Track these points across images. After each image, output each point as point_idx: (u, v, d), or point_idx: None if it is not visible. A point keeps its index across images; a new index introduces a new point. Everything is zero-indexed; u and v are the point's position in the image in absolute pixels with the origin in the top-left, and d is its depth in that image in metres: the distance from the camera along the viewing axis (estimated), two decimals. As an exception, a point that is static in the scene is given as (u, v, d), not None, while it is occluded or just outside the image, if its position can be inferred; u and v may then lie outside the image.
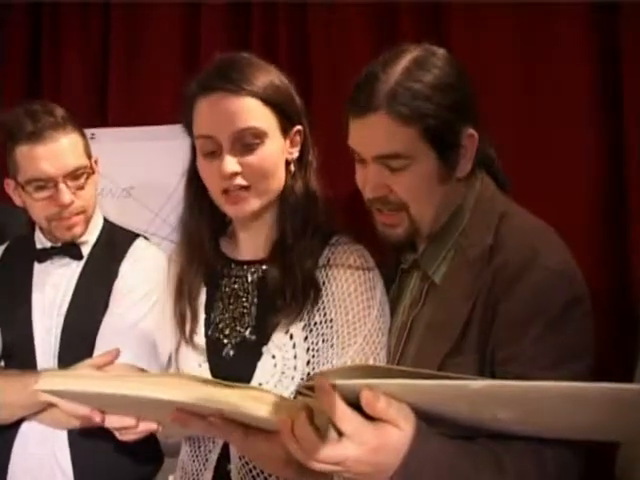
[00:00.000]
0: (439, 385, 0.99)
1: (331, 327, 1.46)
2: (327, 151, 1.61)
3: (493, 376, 1.28)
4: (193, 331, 1.54)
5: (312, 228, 1.50)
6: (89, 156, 1.87)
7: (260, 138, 1.44)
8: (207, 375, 1.50)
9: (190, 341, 1.53)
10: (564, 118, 1.90)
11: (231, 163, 1.43)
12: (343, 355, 1.44)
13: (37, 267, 1.90)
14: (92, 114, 2.50)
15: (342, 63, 2.18)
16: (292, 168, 1.53)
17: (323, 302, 1.47)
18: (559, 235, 1.39)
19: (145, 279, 1.80)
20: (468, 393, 0.97)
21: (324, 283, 1.48)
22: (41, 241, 1.92)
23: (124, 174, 2.35)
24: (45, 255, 1.89)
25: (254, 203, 1.48)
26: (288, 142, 1.51)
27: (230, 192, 1.46)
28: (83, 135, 1.87)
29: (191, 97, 1.47)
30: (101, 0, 2.58)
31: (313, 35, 2.26)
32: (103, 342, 1.75)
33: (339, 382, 1.00)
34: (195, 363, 1.53)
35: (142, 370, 1.70)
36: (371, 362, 1.44)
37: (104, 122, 2.53)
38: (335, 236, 1.54)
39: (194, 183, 1.54)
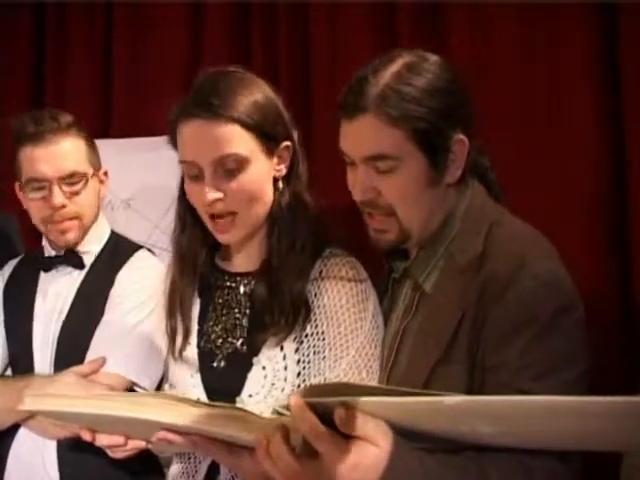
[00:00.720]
0: (414, 402, 0.97)
1: (323, 339, 1.45)
2: (329, 153, 1.59)
3: (483, 383, 1.27)
4: (185, 343, 1.54)
5: (301, 243, 1.49)
6: (94, 165, 1.89)
7: (242, 164, 1.43)
8: (199, 386, 1.50)
9: (180, 355, 1.54)
10: (564, 118, 1.88)
11: (211, 191, 1.42)
12: (335, 367, 1.43)
13: (42, 276, 1.91)
14: (96, 121, 2.49)
15: (343, 64, 2.16)
16: (280, 185, 1.52)
17: (315, 314, 1.46)
18: (554, 241, 1.37)
19: (140, 288, 1.80)
20: (444, 409, 0.95)
21: (316, 295, 1.47)
22: (48, 250, 1.93)
23: (123, 185, 2.34)
24: (49, 264, 1.90)
25: (239, 232, 1.49)
26: (275, 159, 1.50)
27: (216, 219, 1.46)
28: (90, 144, 1.89)
29: (173, 122, 1.47)
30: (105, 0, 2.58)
31: (315, 35, 2.25)
32: (93, 350, 1.75)
33: (313, 400, 0.99)
34: (187, 374, 1.53)
35: (131, 382, 1.70)
36: (364, 374, 1.43)
37: (108, 129, 2.53)
38: (328, 248, 1.52)
39: (185, 199, 1.54)
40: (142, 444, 1.32)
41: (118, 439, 1.30)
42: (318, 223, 1.54)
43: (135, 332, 1.75)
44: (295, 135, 1.55)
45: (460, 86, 1.40)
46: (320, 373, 1.44)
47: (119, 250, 1.92)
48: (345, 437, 1.01)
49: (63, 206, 1.81)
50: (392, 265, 1.52)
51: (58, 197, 1.80)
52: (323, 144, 2.03)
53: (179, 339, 1.55)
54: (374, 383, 1.42)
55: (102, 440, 1.31)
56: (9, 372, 1.88)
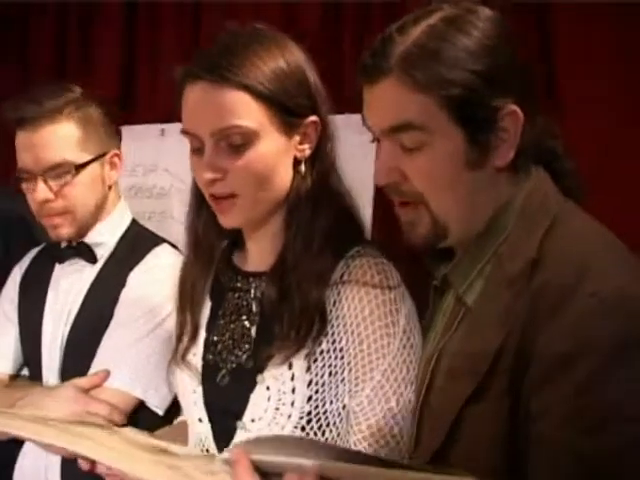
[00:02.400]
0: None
1: (341, 358, 1.21)
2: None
3: (528, 437, 0.98)
4: (191, 344, 1.34)
5: (322, 239, 1.24)
6: (94, 150, 1.67)
7: (249, 139, 1.21)
8: (200, 403, 1.30)
9: (183, 361, 1.33)
10: None
11: (208, 170, 1.21)
12: (357, 393, 1.20)
13: (57, 269, 1.76)
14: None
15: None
16: (302, 168, 1.28)
17: (333, 327, 1.22)
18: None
19: (152, 292, 1.60)
20: None
21: (334, 303, 1.22)
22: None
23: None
24: (62, 255, 1.74)
25: (242, 215, 1.26)
26: (297, 137, 1.26)
27: (217, 198, 1.24)
28: (89, 125, 1.66)
29: (179, 84, 1.26)
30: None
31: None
32: (98, 361, 1.58)
33: (258, 458, 0.77)
34: (190, 387, 1.33)
35: (138, 399, 1.54)
36: (393, 403, 1.19)
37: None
38: (357, 247, 1.27)
39: None
40: None
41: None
42: (346, 216, 1.30)
43: (144, 342, 1.57)
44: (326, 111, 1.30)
45: (515, 47, 1.12)
46: (337, 399, 1.21)
47: (137, 244, 1.72)
48: None
49: (47, 201, 1.62)
50: (433, 270, 1.23)
51: (41, 192, 1.61)
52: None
53: (185, 338, 1.34)
54: (400, 418, 1.17)
55: (101, 469, 1.12)
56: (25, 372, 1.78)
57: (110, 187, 1.74)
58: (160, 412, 1.58)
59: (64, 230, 1.66)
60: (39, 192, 1.61)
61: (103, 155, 1.70)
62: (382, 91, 1.10)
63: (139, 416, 1.56)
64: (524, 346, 0.99)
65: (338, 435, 1.22)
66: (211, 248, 1.36)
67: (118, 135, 1.77)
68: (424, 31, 1.08)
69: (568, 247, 1.03)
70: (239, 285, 1.34)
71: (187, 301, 1.36)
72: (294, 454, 0.75)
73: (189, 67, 1.23)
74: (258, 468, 0.79)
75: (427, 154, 1.09)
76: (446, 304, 1.20)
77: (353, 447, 1.19)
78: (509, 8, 1.16)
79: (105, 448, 0.95)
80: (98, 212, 1.71)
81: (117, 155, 1.73)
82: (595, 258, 1.00)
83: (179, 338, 1.35)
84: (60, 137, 1.61)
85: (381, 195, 2.02)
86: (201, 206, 1.34)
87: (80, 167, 1.63)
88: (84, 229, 1.70)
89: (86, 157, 1.65)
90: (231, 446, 0.98)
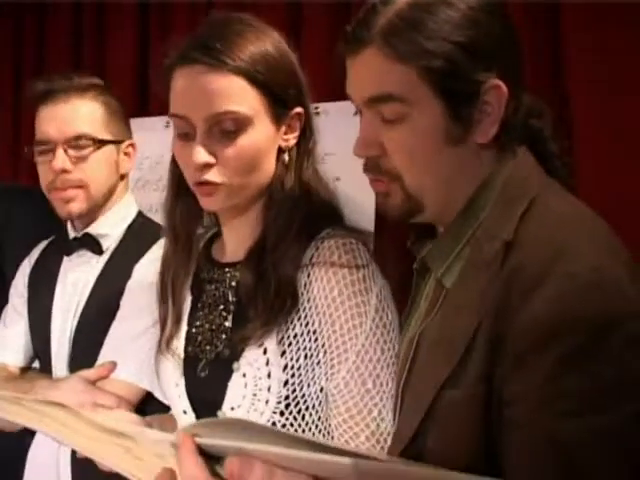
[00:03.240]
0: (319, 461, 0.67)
1: (315, 340, 1.18)
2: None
3: (502, 422, 0.94)
4: (172, 338, 1.33)
5: (300, 225, 1.23)
6: (114, 135, 1.70)
7: (242, 125, 1.20)
8: (184, 396, 1.30)
9: (166, 351, 1.33)
10: None
11: (202, 153, 1.19)
12: (333, 376, 1.17)
13: (65, 262, 1.77)
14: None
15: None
16: (286, 158, 1.27)
17: (305, 309, 1.19)
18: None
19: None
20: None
21: (305, 285, 1.20)
22: (70, 231, 1.79)
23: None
24: (69, 247, 1.76)
25: (225, 199, 1.24)
26: (283, 128, 1.25)
27: (202, 183, 1.23)
28: (112, 111, 1.71)
29: (169, 67, 1.24)
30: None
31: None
32: (105, 352, 1.59)
33: (204, 441, 0.74)
34: (172, 381, 1.32)
35: (144, 390, 1.55)
36: (369, 385, 1.16)
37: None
38: (327, 229, 1.24)
39: (177, 164, 1.31)
40: None
41: None
42: (324, 204, 1.28)
43: (149, 333, 1.54)
44: (309, 103, 1.30)
45: (503, 22, 1.08)
46: (315, 382, 1.18)
47: (142, 236, 1.72)
48: None
49: (65, 171, 1.64)
50: (416, 252, 1.20)
51: (60, 161, 1.63)
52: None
53: (168, 328, 1.34)
54: (378, 400, 1.14)
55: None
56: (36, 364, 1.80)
57: (122, 177, 1.76)
58: (167, 402, 1.57)
59: (76, 205, 1.67)
60: (58, 160, 1.63)
61: (120, 142, 1.73)
62: (363, 61, 1.07)
63: (146, 407, 1.57)
64: (498, 330, 0.95)
65: (319, 419, 1.20)
66: (189, 237, 1.35)
67: (129, 130, 1.79)
68: (407, 2, 1.05)
69: (543, 229, 0.98)
70: (215, 276, 1.33)
71: (168, 292, 1.35)
72: (240, 438, 0.73)
73: (180, 51, 1.22)
74: (204, 451, 0.77)
75: (407, 126, 1.06)
76: (428, 287, 1.17)
77: (334, 430, 1.17)
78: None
79: (67, 428, 0.94)
80: (108, 197, 1.72)
81: (132, 145, 1.76)
82: (570, 239, 0.95)
83: (162, 328, 1.35)
84: (86, 111, 1.66)
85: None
86: (178, 195, 1.34)
87: (100, 142, 1.66)
88: (93, 211, 1.70)
89: (107, 137, 1.68)
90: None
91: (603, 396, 0.87)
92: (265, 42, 1.23)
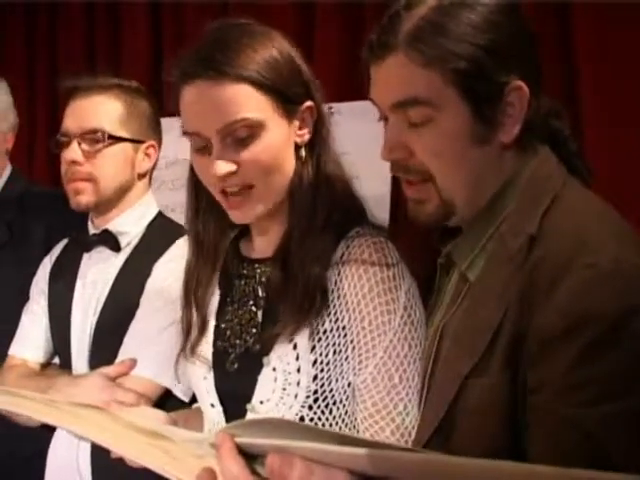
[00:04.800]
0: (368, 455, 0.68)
1: (344, 336, 1.20)
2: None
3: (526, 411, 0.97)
4: (200, 338, 1.35)
5: (323, 222, 1.25)
6: (134, 134, 1.72)
7: (255, 130, 1.20)
8: (212, 390, 1.31)
9: (192, 352, 1.34)
10: None
11: (221, 165, 1.20)
12: (361, 371, 1.19)
13: (84, 258, 1.78)
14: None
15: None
16: (303, 153, 1.28)
17: (335, 306, 1.21)
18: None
19: (176, 282, 1.56)
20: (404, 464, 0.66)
21: (336, 283, 1.22)
22: (90, 228, 1.80)
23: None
24: (88, 244, 1.77)
25: (256, 208, 1.26)
26: (296, 123, 1.27)
27: (229, 195, 1.25)
28: (133, 110, 1.73)
29: (175, 85, 1.25)
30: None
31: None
32: (125, 350, 1.60)
33: (244, 441, 0.75)
34: (201, 375, 1.33)
35: (164, 388, 1.56)
36: (396, 380, 1.18)
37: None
38: (357, 227, 1.27)
39: (195, 177, 1.32)
40: None
41: None
42: (346, 198, 1.30)
43: (169, 331, 1.56)
44: (318, 95, 1.31)
45: (521, 23, 1.12)
46: (343, 377, 1.20)
47: (162, 235, 1.74)
48: None
49: (75, 162, 1.67)
50: (441, 248, 1.23)
51: (72, 152, 1.66)
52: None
53: (194, 333, 1.35)
54: (404, 395, 1.16)
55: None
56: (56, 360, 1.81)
57: (141, 176, 1.78)
58: (186, 399, 1.59)
59: (84, 197, 1.69)
60: (70, 151, 1.66)
61: (140, 142, 1.74)
62: (389, 67, 1.10)
63: (166, 404, 1.57)
64: (522, 321, 0.99)
65: (346, 413, 1.22)
66: (215, 246, 1.36)
67: (159, 131, 1.81)
68: (431, 7, 1.08)
69: (566, 223, 1.03)
70: (245, 272, 1.34)
71: (191, 298, 1.37)
72: (281, 437, 0.75)
73: (183, 68, 1.23)
74: (244, 451, 0.77)
75: (433, 129, 1.09)
76: (451, 282, 1.20)
77: (360, 424, 1.19)
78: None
79: (102, 429, 0.94)
80: (122, 195, 1.73)
81: (153, 146, 1.77)
82: (592, 232, 0.99)
83: (187, 333, 1.36)
84: (103, 108, 1.69)
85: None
86: (199, 206, 1.35)
87: (113, 139, 1.68)
88: (104, 205, 1.72)
89: (123, 134, 1.70)
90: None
91: (625, 381, 0.91)
92: (265, 45, 1.23)
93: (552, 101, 1.18)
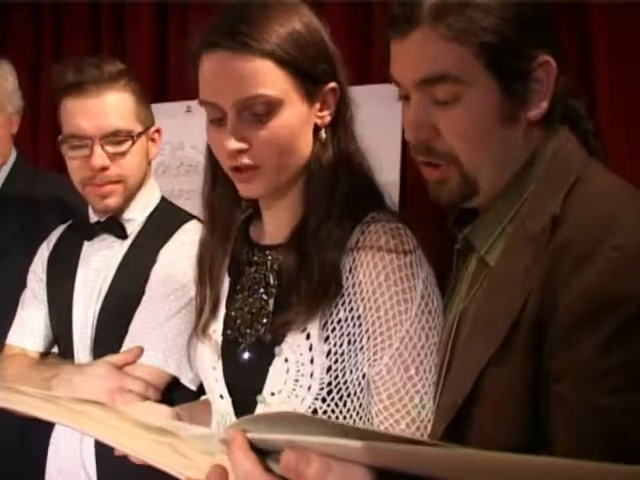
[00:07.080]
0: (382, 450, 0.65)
1: (359, 326, 1.16)
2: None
3: (549, 398, 0.93)
4: (211, 318, 1.31)
5: (340, 207, 1.20)
6: (143, 122, 1.67)
7: (273, 107, 1.16)
8: (221, 380, 1.27)
9: (202, 336, 1.30)
10: None
11: (233, 141, 1.16)
12: (376, 362, 1.15)
13: (85, 246, 1.74)
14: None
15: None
16: (323, 135, 1.23)
17: (349, 294, 1.17)
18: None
19: (182, 269, 1.55)
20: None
21: (350, 270, 1.18)
22: (92, 216, 1.75)
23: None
24: (91, 232, 1.72)
25: (264, 184, 1.21)
26: (317, 104, 1.22)
27: (239, 169, 1.20)
28: (139, 98, 1.67)
29: (195, 54, 1.21)
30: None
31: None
32: (130, 337, 1.56)
33: (255, 436, 0.72)
34: (209, 364, 1.30)
35: (171, 376, 1.52)
36: (412, 371, 1.14)
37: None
38: (372, 212, 1.22)
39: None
40: None
41: None
42: (365, 182, 1.26)
43: (176, 319, 1.53)
44: (343, 77, 1.26)
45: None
46: (357, 368, 1.16)
47: (166, 221, 1.69)
48: None
49: (104, 168, 1.60)
50: (457, 234, 1.18)
51: (99, 158, 1.59)
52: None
53: (206, 313, 1.31)
54: (420, 387, 1.12)
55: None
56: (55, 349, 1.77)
57: (149, 163, 1.74)
58: (193, 388, 1.56)
59: (113, 200, 1.64)
60: (97, 158, 1.59)
61: (148, 129, 1.70)
62: (414, 42, 1.05)
63: (172, 392, 1.55)
64: (545, 305, 0.95)
65: (360, 406, 1.18)
66: (227, 222, 1.33)
67: (151, 113, 1.76)
68: None
69: (591, 205, 0.98)
70: (256, 259, 1.30)
71: (206, 276, 1.33)
72: (294, 431, 0.71)
73: (206, 35, 1.18)
74: (256, 447, 0.74)
75: (461, 107, 1.04)
76: (469, 268, 1.16)
77: (375, 417, 1.16)
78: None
79: (106, 426, 0.91)
80: (139, 187, 1.70)
81: (158, 131, 1.73)
82: (618, 215, 0.95)
83: (200, 313, 1.33)
84: (118, 104, 1.61)
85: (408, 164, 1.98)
86: (216, 180, 1.31)
87: (137, 136, 1.64)
88: (127, 202, 1.68)
89: (139, 128, 1.65)
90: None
91: None
92: (292, 19, 1.18)
93: (567, 79, 1.13)
